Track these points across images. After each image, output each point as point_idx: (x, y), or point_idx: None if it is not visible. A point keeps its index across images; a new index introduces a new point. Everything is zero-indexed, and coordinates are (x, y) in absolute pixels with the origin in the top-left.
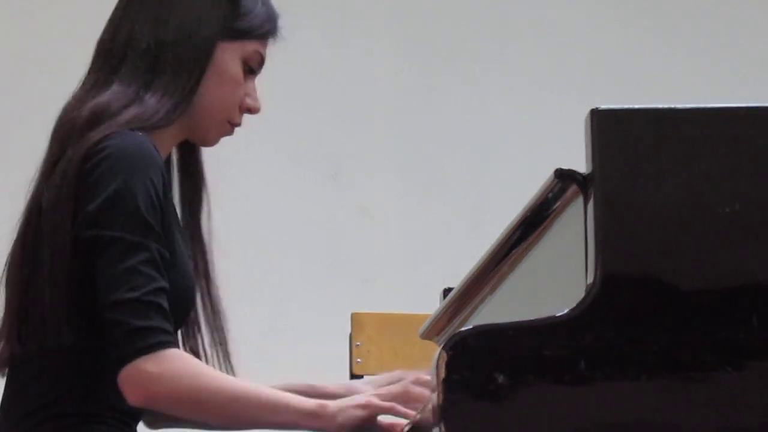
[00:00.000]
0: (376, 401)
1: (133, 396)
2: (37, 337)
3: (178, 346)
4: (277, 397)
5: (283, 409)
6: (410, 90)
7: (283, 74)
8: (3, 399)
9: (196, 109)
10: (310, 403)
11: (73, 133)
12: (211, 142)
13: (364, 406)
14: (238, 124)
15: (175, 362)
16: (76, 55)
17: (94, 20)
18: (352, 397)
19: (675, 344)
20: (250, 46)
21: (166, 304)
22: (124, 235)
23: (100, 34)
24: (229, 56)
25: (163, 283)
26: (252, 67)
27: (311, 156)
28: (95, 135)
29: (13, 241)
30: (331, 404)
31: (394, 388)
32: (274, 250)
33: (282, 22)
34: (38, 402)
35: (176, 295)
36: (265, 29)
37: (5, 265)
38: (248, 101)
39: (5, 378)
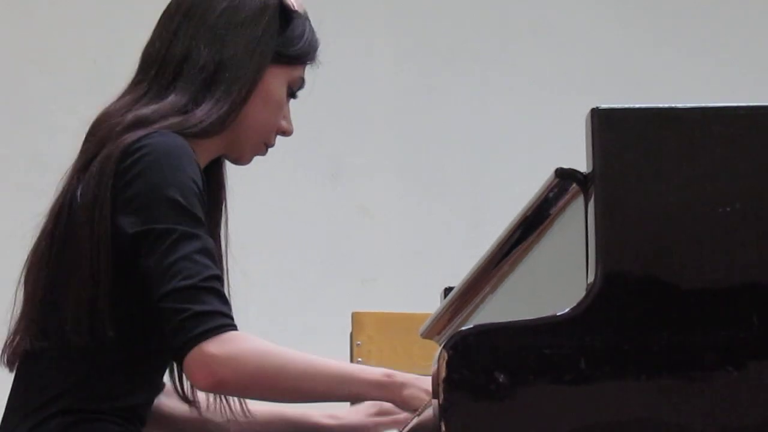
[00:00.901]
0: None
1: (200, 380)
2: (59, 333)
3: (237, 329)
4: (343, 369)
5: (351, 380)
6: (410, 90)
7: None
8: (11, 394)
9: (238, 128)
10: (377, 372)
11: (112, 134)
12: (245, 160)
13: (429, 393)
14: (272, 145)
15: (240, 343)
16: (76, 54)
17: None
18: (422, 377)
19: (675, 343)
20: (296, 72)
21: (222, 290)
22: (175, 227)
23: (147, 42)
24: (277, 80)
25: (218, 271)
26: (294, 91)
27: (311, 156)
28: (135, 134)
29: (36, 238)
30: (399, 376)
31: None
32: (275, 250)
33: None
34: (44, 397)
35: None
36: (311, 56)
37: (26, 260)
38: (283, 123)
39: (15, 372)
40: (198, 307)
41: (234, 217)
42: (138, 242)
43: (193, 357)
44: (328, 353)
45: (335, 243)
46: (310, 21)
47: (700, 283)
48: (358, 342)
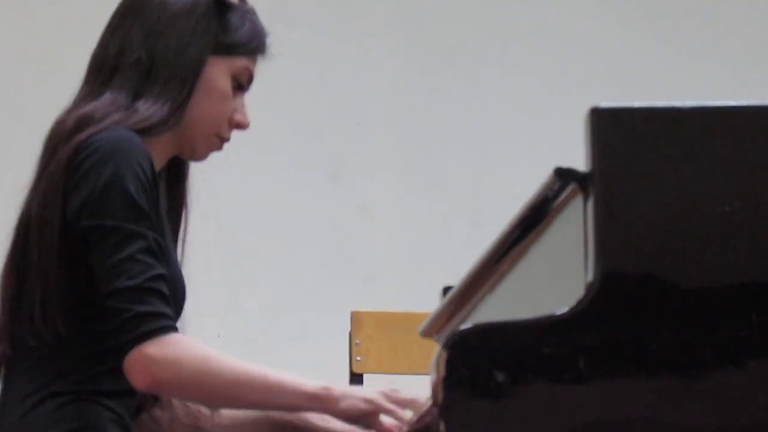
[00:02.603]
0: (381, 399)
1: (138, 381)
2: (31, 335)
3: (178, 331)
4: (281, 379)
5: (288, 391)
6: (410, 89)
7: (283, 73)
8: (1, 397)
9: (186, 123)
10: (314, 385)
11: (61, 139)
12: (199, 156)
13: (368, 401)
14: (227, 139)
15: (179, 346)
16: (76, 54)
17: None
18: (360, 387)
19: (674, 342)
20: (239, 62)
21: (165, 290)
22: (120, 224)
23: (93, 50)
24: (218, 71)
25: (162, 270)
26: (241, 83)
27: (312, 155)
28: (84, 134)
29: (7, 251)
30: (336, 389)
31: (402, 394)
32: (275, 249)
33: (269, 40)
34: (37, 384)
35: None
36: (253, 45)
37: (2, 271)
38: (237, 116)
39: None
40: (139, 308)
41: (234, 216)
42: (87, 236)
43: (132, 357)
44: (327, 352)
45: (335, 242)
46: (253, 12)
47: (699, 282)
48: (357, 341)
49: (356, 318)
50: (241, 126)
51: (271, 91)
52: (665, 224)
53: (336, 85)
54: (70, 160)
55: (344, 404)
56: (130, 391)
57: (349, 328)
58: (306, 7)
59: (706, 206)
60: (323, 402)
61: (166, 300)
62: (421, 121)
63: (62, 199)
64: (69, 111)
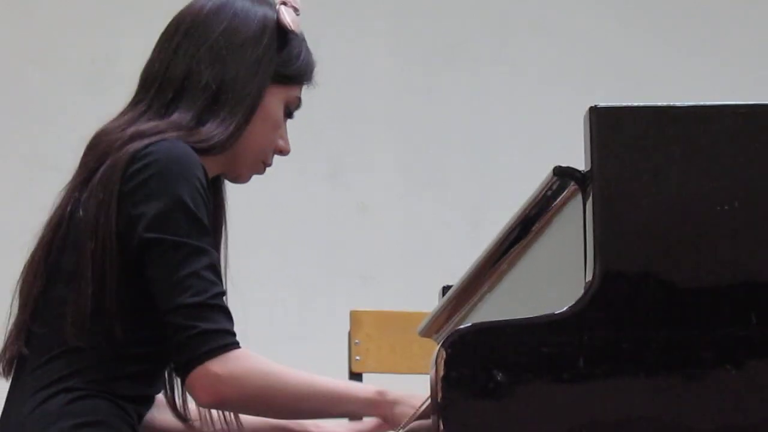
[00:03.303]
0: None
1: (203, 398)
2: (54, 335)
3: (240, 347)
4: (339, 388)
5: (347, 400)
6: (409, 88)
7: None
8: (8, 396)
9: (238, 147)
10: (370, 391)
11: (113, 147)
12: (243, 179)
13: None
14: (270, 165)
15: (242, 362)
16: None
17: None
18: (413, 395)
19: (674, 342)
20: (293, 92)
21: (227, 307)
22: (188, 241)
23: (147, 62)
24: (274, 100)
25: (223, 288)
26: (291, 111)
27: (311, 154)
28: (140, 143)
29: (32, 249)
30: (389, 393)
31: None
32: (274, 248)
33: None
34: (50, 379)
35: None
36: (308, 76)
37: (22, 270)
38: (281, 143)
39: (11, 378)
40: (205, 325)
41: (233, 215)
42: (148, 247)
43: (197, 375)
44: (326, 351)
45: (334, 242)
46: (306, 41)
47: (699, 281)
48: (357, 340)
49: (355, 317)
50: (283, 152)
51: None
52: (664, 223)
53: (335, 83)
54: (126, 167)
55: (398, 410)
56: (145, 399)
57: (348, 328)
58: (305, 5)
59: (705, 205)
60: (380, 407)
61: (229, 316)
62: (420, 120)
63: (117, 205)
64: (124, 124)
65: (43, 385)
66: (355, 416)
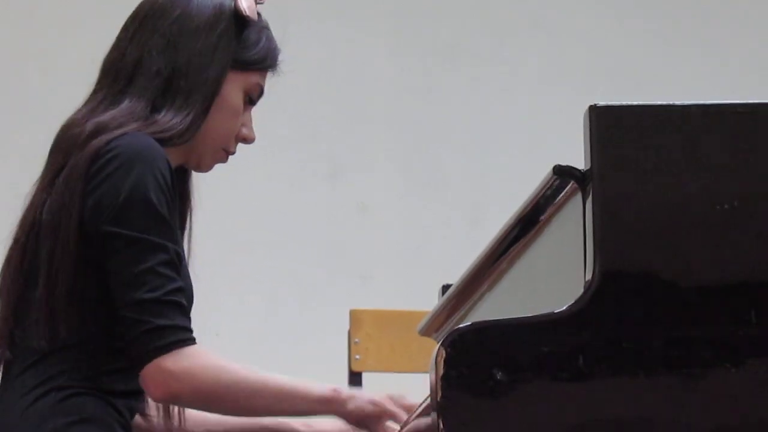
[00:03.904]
0: (387, 403)
1: (155, 393)
2: (36, 336)
3: (195, 343)
4: (293, 386)
5: (301, 397)
6: (409, 87)
7: (282, 71)
8: None
9: (197, 136)
10: (323, 388)
11: (76, 143)
12: (205, 168)
13: (374, 403)
14: (233, 153)
15: (195, 359)
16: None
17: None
18: (367, 391)
19: (673, 341)
20: (252, 78)
21: (184, 303)
22: (143, 235)
23: (106, 53)
24: (233, 87)
25: (181, 283)
26: (252, 98)
27: (310, 153)
28: (102, 139)
29: (8, 249)
30: (344, 391)
31: (408, 399)
32: (273, 247)
33: (281, 57)
34: (39, 379)
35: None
36: (268, 62)
37: (1, 274)
38: (244, 131)
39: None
40: (158, 321)
41: (233, 214)
42: (107, 242)
43: (149, 370)
44: (326, 351)
45: (334, 241)
46: (268, 28)
47: (698, 280)
48: (356, 339)
49: (355, 316)
50: (247, 140)
51: (270, 89)
52: (664, 222)
53: (334, 83)
54: (89, 165)
55: (351, 406)
56: (134, 392)
57: (348, 327)
58: (305, 5)
59: (705, 204)
60: (333, 404)
61: (185, 312)
62: (419, 119)
63: (80, 202)
64: (84, 116)
65: (33, 385)
66: (310, 414)
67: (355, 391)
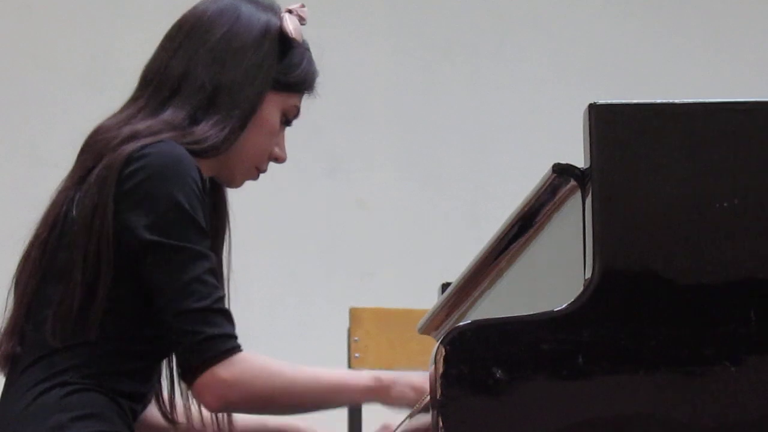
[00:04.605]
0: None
1: (211, 403)
2: (50, 333)
3: (242, 350)
4: (338, 378)
5: (347, 389)
6: (408, 84)
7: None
8: (3, 391)
9: (232, 152)
10: (366, 378)
11: (109, 147)
12: (236, 184)
13: (416, 389)
14: (264, 171)
15: (247, 365)
16: (74, 51)
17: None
18: (409, 373)
19: (673, 339)
20: (291, 100)
21: (229, 311)
22: (189, 245)
23: (148, 61)
24: (272, 107)
25: (224, 291)
26: (288, 119)
27: (309, 150)
28: (136, 143)
29: (27, 245)
30: (385, 377)
31: None
32: (273, 244)
33: (319, 80)
34: (45, 374)
35: None
36: (307, 85)
37: (17, 267)
38: (276, 150)
39: (5, 376)
40: (210, 330)
41: (232, 211)
42: (147, 250)
43: (205, 380)
44: (325, 349)
45: (333, 237)
46: (309, 51)
47: (698, 278)
48: (356, 337)
49: (355, 314)
50: (279, 160)
51: None
52: (664, 221)
53: (334, 80)
54: (122, 168)
55: (395, 393)
56: (139, 396)
57: (347, 325)
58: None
59: (705, 203)
60: (378, 393)
61: (231, 320)
62: (419, 116)
63: (114, 205)
64: (120, 122)
65: (38, 380)
66: (355, 404)
67: (396, 376)
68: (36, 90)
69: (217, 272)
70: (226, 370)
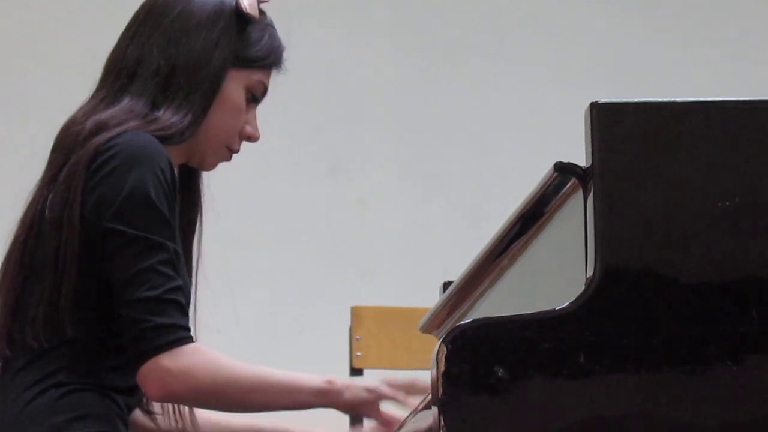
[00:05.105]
0: (383, 387)
1: (153, 392)
2: (34, 334)
3: (193, 341)
4: (290, 380)
5: (297, 390)
6: (409, 83)
7: (287, 69)
8: None
9: (199, 135)
10: (318, 380)
11: (77, 141)
12: (208, 166)
13: (370, 390)
14: (237, 151)
15: (193, 357)
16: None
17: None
18: (359, 378)
19: (674, 338)
20: (255, 76)
21: (183, 301)
22: (146, 235)
23: (109, 52)
24: (234, 84)
25: (180, 282)
26: (255, 96)
27: (310, 149)
28: (103, 137)
29: (8, 247)
30: (338, 381)
31: (401, 380)
32: (274, 244)
33: (286, 54)
34: (38, 376)
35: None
36: (271, 60)
37: (1, 270)
38: (248, 129)
39: None
40: (158, 320)
41: (233, 211)
42: (107, 238)
43: (147, 369)
44: (327, 347)
45: (335, 236)
46: (273, 26)
47: (700, 277)
48: (357, 336)
49: (356, 313)
50: (252, 139)
51: (270, 86)
52: (665, 219)
53: (335, 79)
54: (90, 162)
55: (348, 395)
56: (132, 390)
57: (349, 324)
58: (305, 1)
59: (706, 201)
60: (329, 396)
61: (183, 311)
62: (419, 115)
63: (82, 199)
64: (84, 114)
65: (31, 382)
66: (305, 407)
67: (348, 381)
68: (36, 88)
69: (175, 263)
70: (171, 360)
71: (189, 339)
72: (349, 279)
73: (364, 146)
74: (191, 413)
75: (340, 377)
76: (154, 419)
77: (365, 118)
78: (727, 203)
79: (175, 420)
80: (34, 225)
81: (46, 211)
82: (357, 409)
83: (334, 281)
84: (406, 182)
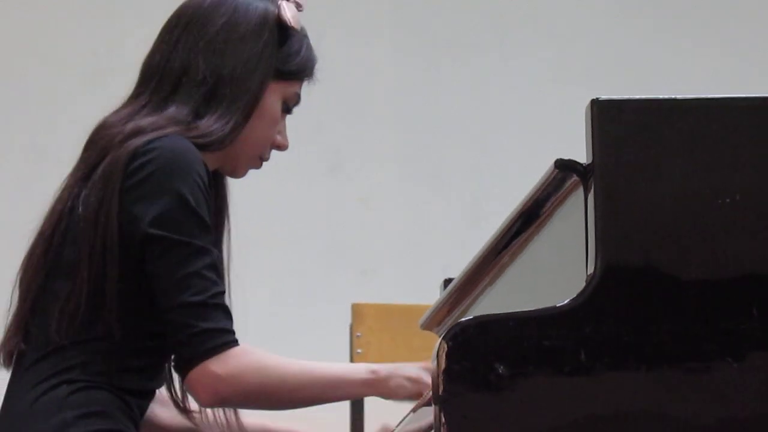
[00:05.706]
0: (425, 377)
1: (203, 398)
2: (56, 329)
3: (238, 344)
4: (335, 373)
5: (344, 384)
6: (410, 81)
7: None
8: (8, 388)
9: (236, 143)
10: (363, 371)
11: (113, 143)
12: (239, 174)
13: (413, 380)
14: (267, 159)
15: (241, 360)
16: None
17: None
18: (404, 365)
19: (675, 335)
20: (292, 88)
21: (227, 305)
22: (191, 240)
23: (147, 55)
24: (273, 96)
25: (223, 287)
26: (289, 107)
27: (311, 148)
28: (141, 139)
29: (32, 242)
30: (381, 370)
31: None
32: (275, 242)
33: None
34: (51, 371)
35: None
36: (307, 72)
37: (22, 263)
38: (278, 138)
39: (11, 371)
40: (205, 324)
41: (234, 209)
42: (150, 244)
43: (196, 374)
44: (328, 345)
45: (335, 235)
46: (308, 37)
47: (700, 274)
48: (358, 333)
49: (357, 310)
50: (281, 147)
51: None
52: (666, 216)
53: (336, 77)
54: (128, 163)
55: (393, 384)
56: (146, 392)
57: (349, 321)
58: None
59: (707, 198)
60: (375, 386)
61: (229, 315)
62: (420, 113)
63: (119, 201)
64: (123, 118)
65: (44, 377)
66: (353, 398)
67: (391, 368)
68: (37, 86)
69: (218, 267)
70: (219, 364)
71: (235, 342)
72: (349, 277)
73: (364, 145)
74: (236, 416)
75: (384, 365)
76: (191, 418)
77: (366, 117)
78: (728, 200)
79: (222, 423)
80: (62, 221)
81: (79, 208)
82: (402, 397)
83: (334, 279)
84: (407, 181)
